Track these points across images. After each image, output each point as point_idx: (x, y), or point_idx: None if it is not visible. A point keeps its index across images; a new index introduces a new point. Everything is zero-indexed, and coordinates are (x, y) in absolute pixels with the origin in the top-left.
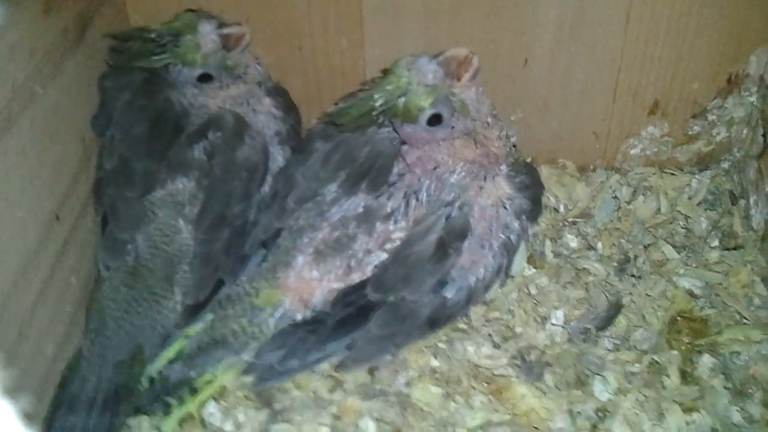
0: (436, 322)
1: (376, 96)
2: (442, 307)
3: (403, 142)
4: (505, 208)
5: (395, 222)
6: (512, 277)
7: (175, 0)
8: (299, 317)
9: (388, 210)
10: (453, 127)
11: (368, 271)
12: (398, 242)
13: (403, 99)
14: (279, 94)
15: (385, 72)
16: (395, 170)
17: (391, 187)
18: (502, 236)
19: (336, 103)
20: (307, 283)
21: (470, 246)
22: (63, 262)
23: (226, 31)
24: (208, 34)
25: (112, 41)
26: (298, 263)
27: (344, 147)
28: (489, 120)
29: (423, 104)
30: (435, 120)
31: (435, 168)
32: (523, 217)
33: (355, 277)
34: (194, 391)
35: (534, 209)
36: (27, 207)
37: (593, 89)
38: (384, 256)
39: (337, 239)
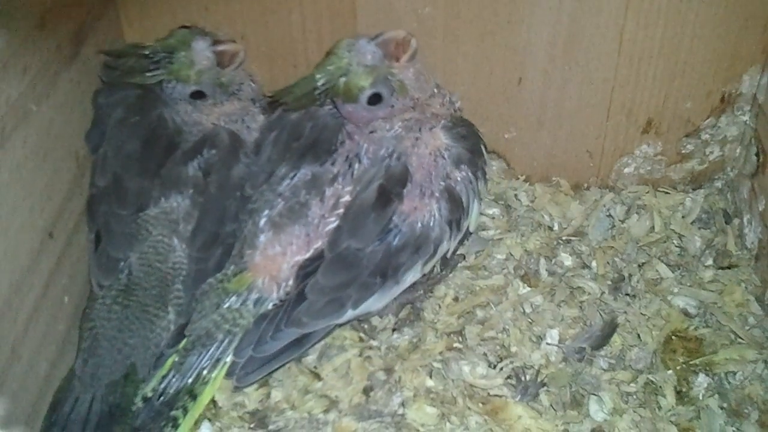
0: (385, 271)
1: (318, 76)
2: (388, 255)
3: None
4: (443, 157)
5: (342, 185)
6: (470, 233)
7: (170, 17)
8: (275, 296)
9: (334, 173)
10: (393, 106)
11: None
12: None
13: (343, 79)
14: (273, 111)
15: (328, 53)
16: (338, 139)
17: (334, 154)
18: (443, 184)
19: None
20: (272, 259)
21: (410, 193)
22: (56, 280)
23: (220, 48)
24: (202, 51)
25: (106, 57)
26: (260, 242)
27: (289, 128)
28: (434, 90)
29: (363, 84)
30: (375, 99)
31: (372, 132)
32: (464, 166)
33: (316, 246)
34: (195, 397)
35: (473, 159)
36: (20, 224)
37: (587, 108)
38: (338, 222)
39: (291, 208)
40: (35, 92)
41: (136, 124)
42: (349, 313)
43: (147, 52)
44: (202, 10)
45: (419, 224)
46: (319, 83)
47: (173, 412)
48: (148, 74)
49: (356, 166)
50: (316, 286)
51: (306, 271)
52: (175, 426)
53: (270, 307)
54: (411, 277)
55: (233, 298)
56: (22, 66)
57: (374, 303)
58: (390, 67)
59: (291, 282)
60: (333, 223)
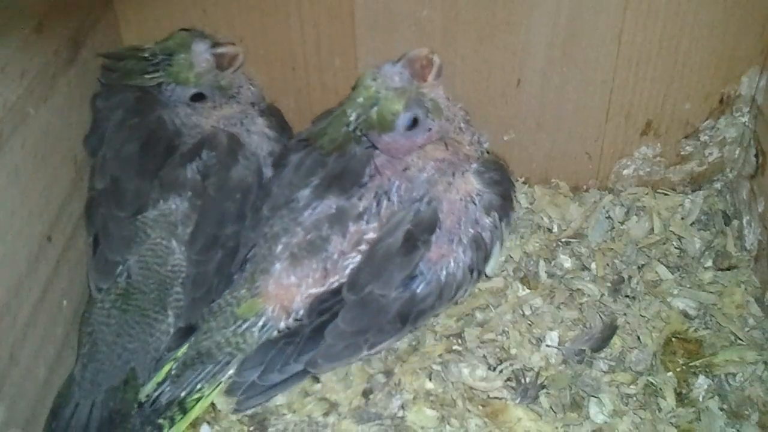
0: (406, 317)
1: (349, 111)
2: (412, 302)
3: (375, 147)
4: (474, 203)
5: (367, 222)
6: (488, 277)
7: (168, 20)
8: (282, 325)
9: (360, 210)
10: (430, 129)
11: (345, 274)
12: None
13: (375, 108)
14: (272, 114)
15: (353, 87)
16: (366, 172)
17: (362, 188)
18: (472, 231)
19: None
20: (286, 289)
21: (439, 240)
22: (55, 284)
23: (219, 50)
24: (201, 54)
25: (105, 60)
26: (275, 270)
27: (315, 153)
28: (462, 125)
29: (397, 108)
30: (411, 123)
31: (405, 169)
32: (494, 213)
33: (333, 281)
34: (185, 411)
35: (504, 205)
36: (18, 228)
37: (586, 109)
38: (359, 258)
39: (311, 242)
40: (33, 96)
41: (135, 126)
42: (364, 354)
43: (146, 55)
44: (200, 13)
45: (444, 272)
46: (352, 118)
47: (160, 420)
48: (147, 76)
49: (384, 203)
50: (336, 330)
51: (322, 307)
52: None
53: (275, 333)
54: (427, 320)
55: (240, 323)
56: (20, 70)
57: (389, 344)
58: (419, 88)
59: (302, 312)
60: (353, 258)
